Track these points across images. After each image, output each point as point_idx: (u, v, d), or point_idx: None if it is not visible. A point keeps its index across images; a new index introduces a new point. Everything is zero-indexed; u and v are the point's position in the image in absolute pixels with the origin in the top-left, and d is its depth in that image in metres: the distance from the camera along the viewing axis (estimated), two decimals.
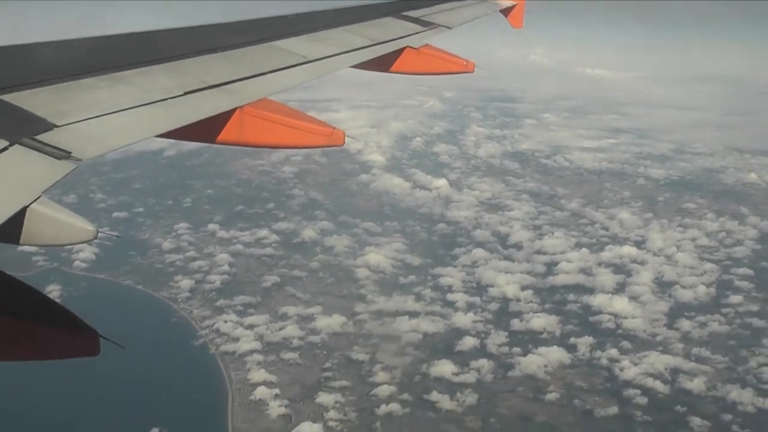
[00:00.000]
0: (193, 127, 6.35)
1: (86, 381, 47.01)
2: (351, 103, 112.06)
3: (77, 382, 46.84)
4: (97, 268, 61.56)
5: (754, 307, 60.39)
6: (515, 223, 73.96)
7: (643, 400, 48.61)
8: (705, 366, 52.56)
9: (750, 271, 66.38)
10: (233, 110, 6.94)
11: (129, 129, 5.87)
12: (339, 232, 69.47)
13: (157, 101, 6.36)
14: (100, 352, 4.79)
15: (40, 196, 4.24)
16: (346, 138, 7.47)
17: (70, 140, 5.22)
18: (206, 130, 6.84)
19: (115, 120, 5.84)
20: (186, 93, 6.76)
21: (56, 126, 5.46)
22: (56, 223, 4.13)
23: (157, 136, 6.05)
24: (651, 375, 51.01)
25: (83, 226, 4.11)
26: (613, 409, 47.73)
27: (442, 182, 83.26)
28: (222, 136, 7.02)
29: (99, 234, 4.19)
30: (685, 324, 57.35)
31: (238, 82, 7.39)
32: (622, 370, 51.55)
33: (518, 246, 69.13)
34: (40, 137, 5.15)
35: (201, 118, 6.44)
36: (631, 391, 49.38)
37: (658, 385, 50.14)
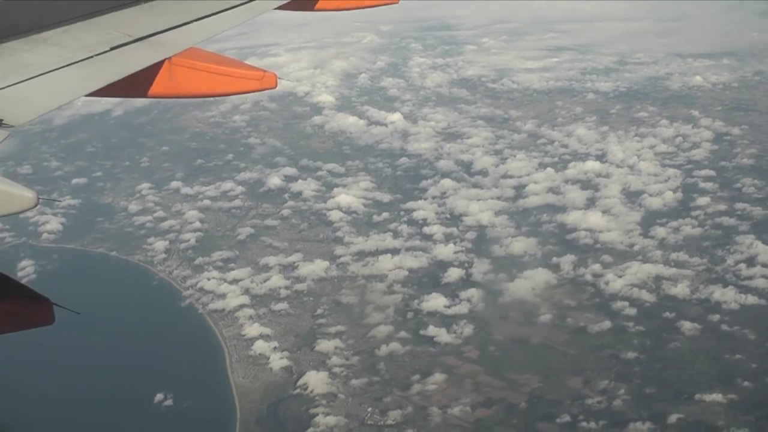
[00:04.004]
0: (123, 83, 6.20)
1: (79, 356, 46.19)
2: (290, 46, 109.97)
3: (68, 359, 45.97)
4: (66, 238, 59.77)
5: (722, 207, 61.38)
6: (476, 149, 73.70)
7: (632, 311, 49.29)
8: (685, 270, 53.46)
9: (712, 172, 67.37)
10: (162, 62, 6.81)
11: (59, 90, 5.74)
12: (303, 177, 68.55)
13: (84, 59, 6.23)
14: (55, 320, 4.57)
15: None
16: (279, 81, 7.39)
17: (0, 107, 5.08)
18: (137, 84, 6.71)
19: (44, 82, 5.70)
20: (112, 48, 6.57)
21: None
22: None
23: (88, 95, 5.94)
24: (636, 285, 51.62)
25: (22, 193, 3.80)
26: (606, 324, 48.33)
27: (396, 116, 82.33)
28: (153, 90, 6.94)
29: (41, 200, 3.91)
30: (659, 231, 58.12)
31: (164, 33, 7.20)
32: (607, 283, 52.12)
33: (484, 172, 69.05)
34: None
35: (130, 72, 6.32)
36: (619, 304, 50.02)
37: (644, 295, 50.87)
